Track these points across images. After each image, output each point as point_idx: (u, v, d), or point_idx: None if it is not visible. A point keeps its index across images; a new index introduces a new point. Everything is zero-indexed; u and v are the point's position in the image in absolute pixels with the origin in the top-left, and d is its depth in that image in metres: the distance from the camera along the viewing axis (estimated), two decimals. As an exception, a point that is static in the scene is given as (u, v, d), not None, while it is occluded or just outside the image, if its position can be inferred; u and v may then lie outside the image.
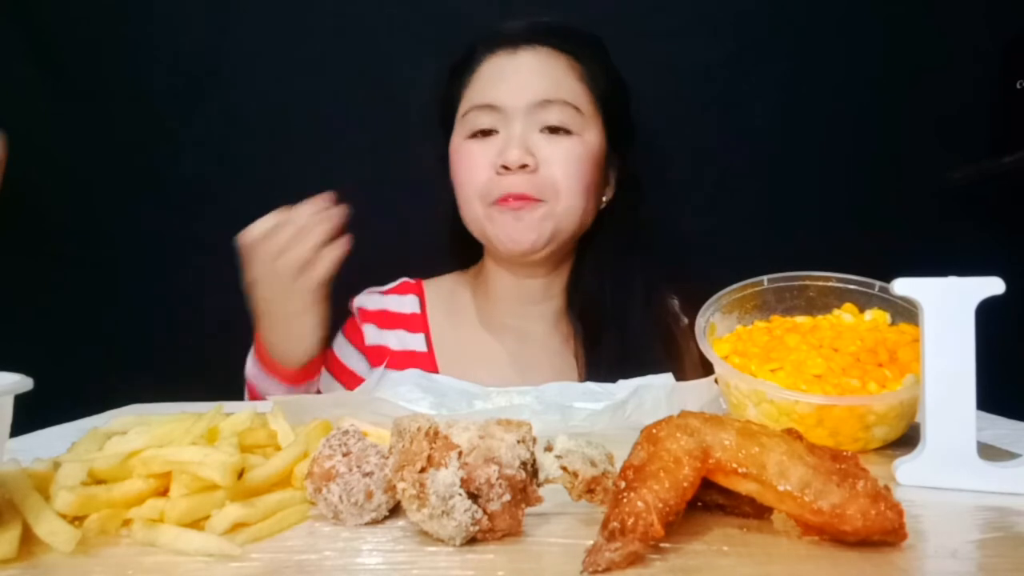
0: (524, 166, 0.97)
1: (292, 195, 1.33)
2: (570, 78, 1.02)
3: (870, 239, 1.29)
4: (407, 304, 1.14)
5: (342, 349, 1.14)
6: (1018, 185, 1.27)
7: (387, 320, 1.13)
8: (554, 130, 0.99)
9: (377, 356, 1.10)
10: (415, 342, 1.11)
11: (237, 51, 1.33)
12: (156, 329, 1.29)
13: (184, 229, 1.32)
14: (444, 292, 1.16)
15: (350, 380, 1.10)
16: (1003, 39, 1.27)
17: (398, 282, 1.17)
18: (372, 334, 1.12)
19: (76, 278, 1.32)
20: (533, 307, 1.11)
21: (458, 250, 1.16)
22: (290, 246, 0.88)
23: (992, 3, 1.29)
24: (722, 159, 1.34)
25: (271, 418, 0.55)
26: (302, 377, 0.99)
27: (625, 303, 1.05)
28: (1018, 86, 1.24)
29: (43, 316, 1.31)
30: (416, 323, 1.12)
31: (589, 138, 1.01)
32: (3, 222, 1.31)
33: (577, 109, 1.00)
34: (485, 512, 0.41)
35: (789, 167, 1.34)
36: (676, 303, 1.08)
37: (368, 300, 1.15)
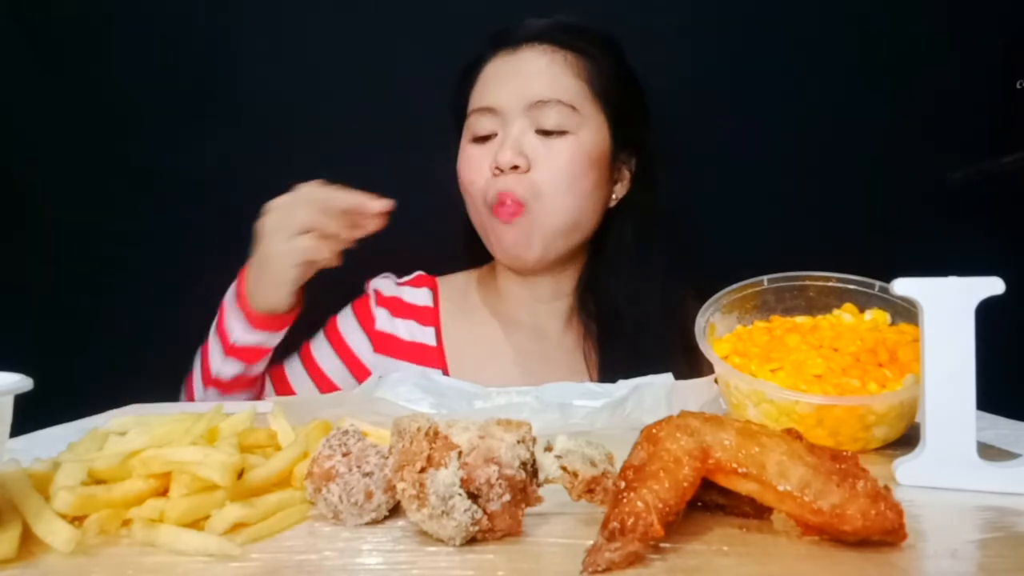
0: (515, 167, 0.97)
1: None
2: (567, 75, 1.00)
3: (870, 239, 1.29)
4: (420, 297, 1.14)
5: (347, 324, 1.12)
6: (1018, 185, 1.27)
7: (400, 309, 1.12)
8: (549, 132, 0.98)
9: (383, 343, 1.09)
10: (425, 335, 1.10)
11: (239, 49, 1.33)
12: (156, 329, 1.28)
13: (184, 229, 1.32)
14: (457, 289, 1.16)
15: (348, 358, 1.09)
16: (1003, 39, 1.27)
17: (414, 275, 1.17)
18: (383, 319, 1.11)
19: (75, 278, 1.32)
20: (544, 305, 1.10)
21: (472, 249, 1.15)
22: (322, 209, 0.91)
23: (992, 3, 1.29)
24: (722, 160, 1.34)
25: (271, 418, 0.55)
26: (265, 325, 0.97)
27: (642, 302, 1.04)
28: (1018, 86, 1.24)
29: (43, 316, 1.31)
30: (428, 316, 1.12)
31: (585, 136, 0.99)
32: (3, 222, 1.31)
33: (573, 108, 0.99)
34: (485, 512, 0.41)
35: (789, 167, 1.34)
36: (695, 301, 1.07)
37: (384, 285, 1.14)
